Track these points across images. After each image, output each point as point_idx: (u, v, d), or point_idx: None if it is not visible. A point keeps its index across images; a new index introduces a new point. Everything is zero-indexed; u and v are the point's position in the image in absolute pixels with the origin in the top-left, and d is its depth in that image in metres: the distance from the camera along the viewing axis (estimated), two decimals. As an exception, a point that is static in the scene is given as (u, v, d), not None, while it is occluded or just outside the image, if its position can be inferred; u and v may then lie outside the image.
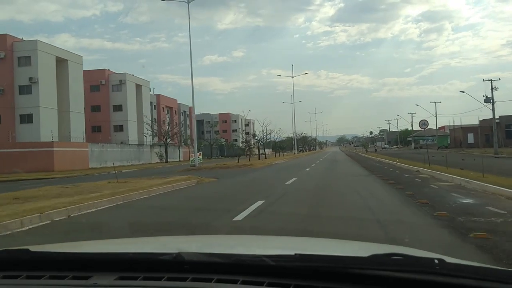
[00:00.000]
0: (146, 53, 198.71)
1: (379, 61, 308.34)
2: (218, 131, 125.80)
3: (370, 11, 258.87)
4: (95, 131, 53.97)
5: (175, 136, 62.54)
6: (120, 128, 52.37)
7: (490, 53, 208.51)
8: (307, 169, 26.33)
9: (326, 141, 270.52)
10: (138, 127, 54.19)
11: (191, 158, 28.62)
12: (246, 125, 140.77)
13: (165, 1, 32.33)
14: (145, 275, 1.49)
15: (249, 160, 43.71)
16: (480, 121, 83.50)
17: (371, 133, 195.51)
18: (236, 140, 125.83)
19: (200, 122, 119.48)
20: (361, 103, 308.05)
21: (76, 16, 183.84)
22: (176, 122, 58.71)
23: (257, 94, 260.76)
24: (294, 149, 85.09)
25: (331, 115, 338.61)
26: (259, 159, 50.57)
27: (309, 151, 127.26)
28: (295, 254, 1.54)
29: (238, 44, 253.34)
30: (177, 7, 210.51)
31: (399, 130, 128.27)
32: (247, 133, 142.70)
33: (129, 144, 46.15)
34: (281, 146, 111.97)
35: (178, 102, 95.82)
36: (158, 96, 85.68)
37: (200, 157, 28.88)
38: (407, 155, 44.73)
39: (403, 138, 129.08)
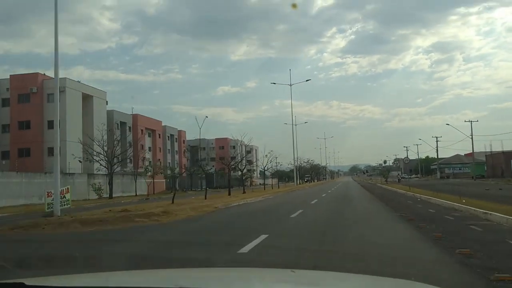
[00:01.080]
0: (160, 84, 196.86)
1: (390, 91, 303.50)
2: (214, 158, 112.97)
3: (380, 43, 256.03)
4: (22, 155, 40.81)
5: (141, 160, 49.15)
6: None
7: (503, 83, 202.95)
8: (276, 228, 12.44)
9: (338, 170, 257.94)
10: (85, 151, 40.75)
11: (48, 200, 14.55)
12: (248, 152, 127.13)
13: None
14: None
15: (229, 195, 32.24)
16: (522, 145, 68.82)
17: (384, 162, 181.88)
18: (234, 168, 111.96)
19: (194, 149, 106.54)
20: (373, 133, 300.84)
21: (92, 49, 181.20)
22: (130, 142, 44.69)
23: (269, 124, 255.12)
24: (296, 179, 70.75)
25: (343, 145, 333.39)
26: (243, 192, 37.74)
27: (317, 181, 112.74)
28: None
29: (251, 75, 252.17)
30: (191, 40, 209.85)
31: (419, 157, 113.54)
32: (248, 161, 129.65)
33: (45, 173, 32.50)
34: (288, 175, 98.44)
35: (163, 124, 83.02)
36: (135, 116, 72.98)
37: (68, 196, 14.95)
38: (444, 187, 30.47)
39: (423, 166, 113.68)
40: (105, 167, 37.27)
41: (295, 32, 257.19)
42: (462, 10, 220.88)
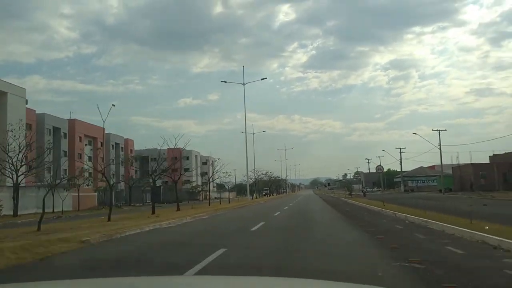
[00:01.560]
0: (119, 95, 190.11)
1: (350, 106, 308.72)
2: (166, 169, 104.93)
3: (340, 59, 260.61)
4: None
5: (78, 171, 41.39)
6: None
7: (455, 100, 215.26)
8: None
9: (300, 183, 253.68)
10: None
11: None
12: (204, 163, 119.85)
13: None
14: None
15: (153, 214, 25.24)
16: (491, 156, 65.65)
17: (345, 175, 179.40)
18: (188, 181, 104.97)
19: (145, 159, 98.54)
20: (334, 147, 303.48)
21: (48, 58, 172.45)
22: (65, 151, 36.97)
23: (231, 137, 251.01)
24: (248, 192, 64.17)
25: (305, 159, 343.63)
26: (177, 209, 31.24)
27: (277, 194, 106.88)
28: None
29: (213, 87, 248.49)
30: (151, 51, 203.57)
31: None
32: (204, 174, 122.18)
33: None
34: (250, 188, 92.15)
35: (107, 131, 74.77)
36: (72, 121, 64.85)
37: None
38: (417, 202, 25.07)
39: (385, 179, 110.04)
40: (8, 176, 29.66)
41: (257, 46, 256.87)
42: (417, 29, 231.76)
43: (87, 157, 53.79)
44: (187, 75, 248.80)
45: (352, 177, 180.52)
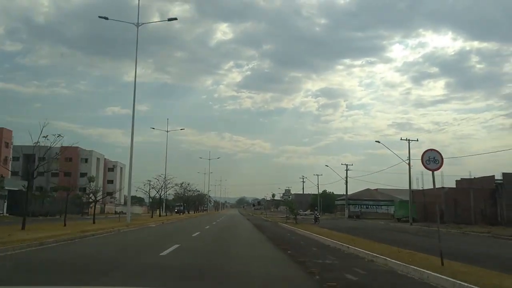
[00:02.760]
0: (43, 98, 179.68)
1: (280, 129, 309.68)
2: (58, 172, 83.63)
3: (274, 82, 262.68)
4: None
5: None
6: None
7: (378, 131, 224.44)
8: None
9: (226, 202, 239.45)
10: None
11: None
12: (111, 169, 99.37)
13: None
14: None
15: None
16: (458, 181, 53.72)
17: (273, 195, 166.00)
18: (85, 189, 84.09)
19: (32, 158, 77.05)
20: (262, 167, 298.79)
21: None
22: None
23: (160, 150, 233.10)
24: (129, 213, 45.67)
25: (234, 177, 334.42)
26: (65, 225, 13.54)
27: (196, 212, 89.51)
28: None
29: (144, 98, 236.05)
30: (82, 55, 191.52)
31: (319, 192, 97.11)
32: (110, 181, 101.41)
33: None
34: (170, 204, 73.58)
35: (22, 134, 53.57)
36: None
37: None
38: (397, 236, 10.26)
39: (321, 202, 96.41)
40: None
41: (192, 61, 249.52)
42: (348, 61, 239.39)
43: None
44: (117, 83, 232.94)
45: (280, 198, 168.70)
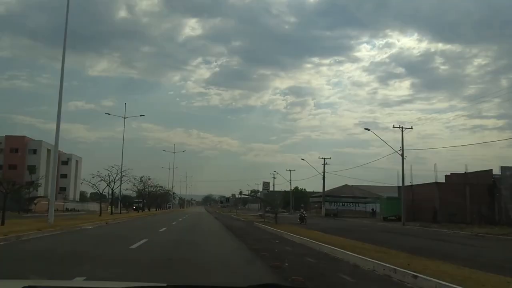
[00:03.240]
0: (2, 91, 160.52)
1: (248, 126, 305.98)
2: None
3: (243, 79, 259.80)
4: None
5: None
6: None
7: (345, 130, 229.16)
8: None
9: (192, 199, 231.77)
10: None
11: None
12: (65, 162, 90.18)
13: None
14: None
15: None
16: (447, 176, 48.98)
17: (241, 192, 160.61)
18: (33, 182, 75.57)
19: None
20: (229, 165, 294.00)
21: None
22: None
23: (125, 145, 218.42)
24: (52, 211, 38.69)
25: (200, 174, 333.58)
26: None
27: (157, 209, 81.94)
28: (167, 285, 1.52)
29: (109, 93, 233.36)
30: (44, 47, 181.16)
31: (291, 188, 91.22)
32: (63, 176, 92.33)
33: None
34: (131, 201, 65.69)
35: None
36: None
37: None
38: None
39: (293, 200, 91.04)
40: None
41: (160, 56, 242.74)
42: (316, 60, 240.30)
43: None
44: (81, 77, 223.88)
45: (247, 195, 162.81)
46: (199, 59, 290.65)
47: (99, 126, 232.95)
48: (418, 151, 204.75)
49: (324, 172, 60.43)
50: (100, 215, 36.40)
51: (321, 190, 64.85)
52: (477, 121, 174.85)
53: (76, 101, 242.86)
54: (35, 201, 56.52)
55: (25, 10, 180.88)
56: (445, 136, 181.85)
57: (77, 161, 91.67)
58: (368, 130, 42.18)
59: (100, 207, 41.41)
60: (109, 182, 40.43)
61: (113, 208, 48.76)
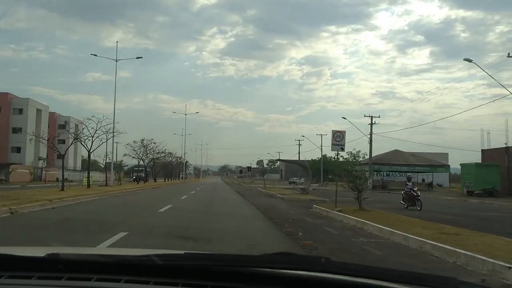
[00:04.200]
0: (20, 62, 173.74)
1: (263, 97, 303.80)
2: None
3: (258, 49, 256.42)
4: None
5: None
6: None
7: (362, 100, 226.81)
8: None
9: (208, 169, 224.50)
10: None
11: None
12: (62, 126, 78.87)
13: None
14: (11, 274, 1.38)
15: None
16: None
17: (258, 163, 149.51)
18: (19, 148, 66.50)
19: None
20: (245, 135, 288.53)
21: None
22: None
23: (142, 117, 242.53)
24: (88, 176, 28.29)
25: (216, 145, 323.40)
26: None
27: (169, 180, 71.05)
28: (185, 253, 1.53)
29: (125, 64, 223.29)
30: (60, 18, 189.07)
31: (322, 157, 78.71)
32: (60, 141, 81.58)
33: None
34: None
35: None
36: None
37: None
38: None
39: (325, 170, 78.22)
40: None
41: (175, 26, 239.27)
42: (333, 28, 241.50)
43: None
44: (97, 48, 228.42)
45: (266, 166, 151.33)
46: (214, 29, 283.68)
47: (116, 97, 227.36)
48: (436, 122, 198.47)
49: (371, 133, 48.06)
50: (89, 187, 25.28)
51: (382, 154, 52.94)
52: (497, 90, 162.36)
53: (93, 73, 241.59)
54: (10, 169, 45.57)
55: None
56: (464, 106, 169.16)
57: (76, 125, 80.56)
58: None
59: (88, 177, 30.19)
60: (84, 139, 29.10)
61: (106, 178, 37.87)
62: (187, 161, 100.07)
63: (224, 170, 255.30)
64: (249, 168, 75.63)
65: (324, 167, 77.21)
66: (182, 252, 1.55)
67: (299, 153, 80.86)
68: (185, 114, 73.05)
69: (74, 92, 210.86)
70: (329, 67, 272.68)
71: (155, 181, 56.24)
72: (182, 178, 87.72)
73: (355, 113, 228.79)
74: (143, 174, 49.86)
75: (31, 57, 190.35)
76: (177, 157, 74.78)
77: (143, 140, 50.14)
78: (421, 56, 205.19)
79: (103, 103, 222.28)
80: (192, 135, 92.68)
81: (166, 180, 71.52)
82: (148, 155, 50.05)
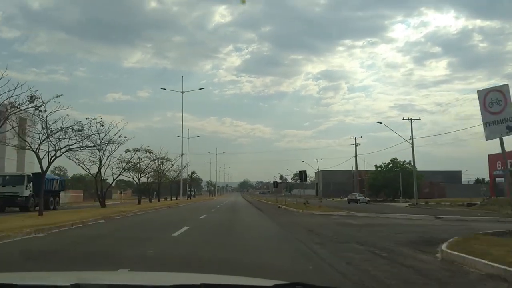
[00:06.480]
0: (42, 85, 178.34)
1: (280, 113, 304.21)
2: None
3: (274, 65, 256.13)
4: None
5: None
6: None
7: (380, 113, 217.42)
8: None
9: (227, 185, 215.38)
10: None
11: None
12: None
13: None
14: None
15: None
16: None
17: (281, 177, 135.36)
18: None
19: None
20: (263, 151, 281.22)
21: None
22: None
23: (161, 135, 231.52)
24: None
25: (234, 162, 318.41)
26: None
27: (173, 199, 56.10)
28: (201, 284, 1.62)
29: (144, 84, 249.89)
30: (80, 41, 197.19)
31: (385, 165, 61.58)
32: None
33: None
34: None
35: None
36: None
37: None
38: None
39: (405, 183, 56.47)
40: None
41: (191, 45, 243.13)
42: (348, 42, 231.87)
43: None
44: (117, 69, 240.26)
45: (291, 180, 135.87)
46: (230, 47, 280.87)
47: (135, 117, 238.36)
48: (456, 133, 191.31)
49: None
50: None
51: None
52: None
53: (113, 93, 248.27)
54: None
55: (59, 4, 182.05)
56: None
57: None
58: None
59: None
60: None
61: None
62: (193, 173, 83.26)
63: (244, 186, 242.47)
64: (275, 183, 59.91)
65: (391, 178, 58.09)
66: (198, 283, 1.63)
67: (356, 155, 62.00)
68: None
69: (95, 112, 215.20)
70: (346, 81, 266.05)
71: (159, 200, 40.78)
72: (191, 196, 72.44)
73: (374, 126, 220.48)
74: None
75: (52, 80, 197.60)
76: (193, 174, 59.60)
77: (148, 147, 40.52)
78: (439, 67, 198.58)
79: (122, 123, 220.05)
80: (210, 153, 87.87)
81: (171, 199, 56.95)
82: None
